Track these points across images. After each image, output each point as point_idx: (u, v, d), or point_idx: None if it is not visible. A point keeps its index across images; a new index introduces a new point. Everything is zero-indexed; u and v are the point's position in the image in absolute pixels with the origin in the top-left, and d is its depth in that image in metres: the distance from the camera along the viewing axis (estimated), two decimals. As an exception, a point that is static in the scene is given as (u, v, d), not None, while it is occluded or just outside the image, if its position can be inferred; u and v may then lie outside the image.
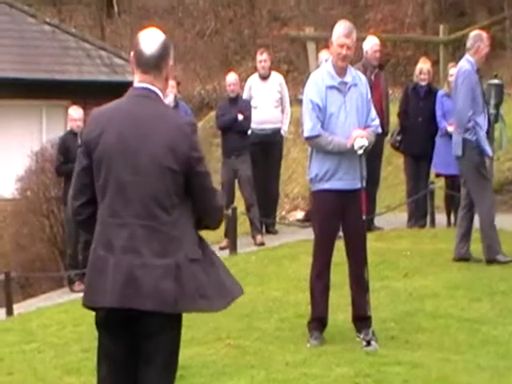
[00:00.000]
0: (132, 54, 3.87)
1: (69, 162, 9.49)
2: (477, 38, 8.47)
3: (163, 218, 3.71)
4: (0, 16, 15.58)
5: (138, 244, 3.69)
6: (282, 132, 11.01)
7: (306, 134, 6.23)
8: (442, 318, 6.76)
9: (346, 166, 6.12)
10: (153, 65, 3.80)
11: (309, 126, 6.17)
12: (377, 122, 6.35)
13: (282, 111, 11.00)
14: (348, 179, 6.14)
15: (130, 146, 3.72)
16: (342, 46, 6.10)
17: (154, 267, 3.67)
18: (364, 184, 6.19)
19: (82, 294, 3.92)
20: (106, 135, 3.74)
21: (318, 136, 6.13)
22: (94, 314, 3.86)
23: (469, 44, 8.46)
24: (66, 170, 9.58)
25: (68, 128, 10.48)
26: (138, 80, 3.84)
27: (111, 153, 3.72)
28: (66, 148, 10.04)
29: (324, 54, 9.90)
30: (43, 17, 16.48)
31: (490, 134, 8.63)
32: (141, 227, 3.70)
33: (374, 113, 6.36)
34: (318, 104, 6.12)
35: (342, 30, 6.12)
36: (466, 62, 8.38)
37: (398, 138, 10.67)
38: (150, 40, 3.84)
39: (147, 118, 3.76)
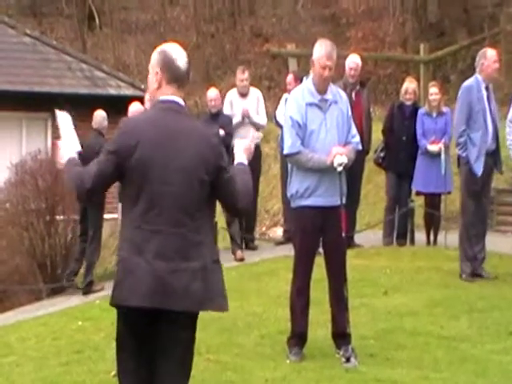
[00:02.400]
0: (160, 68, 4.00)
1: None
2: (481, 55, 8.58)
3: (190, 225, 3.93)
4: (-19, 27, 15.56)
5: (168, 250, 3.90)
6: (254, 134, 10.58)
7: (285, 151, 6.24)
8: (421, 335, 6.79)
9: (326, 183, 6.14)
10: (185, 80, 4.03)
11: (288, 143, 6.19)
12: (357, 138, 6.38)
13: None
14: (328, 196, 6.15)
15: (164, 159, 3.90)
16: (324, 68, 6.11)
17: (183, 271, 3.89)
18: (344, 201, 6.21)
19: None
20: (142, 147, 3.90)
21: (297, 153, 6.14)
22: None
23: (476, 62, 8.58)
24: None
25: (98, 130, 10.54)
26: (170, 93, 4.00)
27: (147, 164, 3.89)
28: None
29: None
30: (24, 28, 16.43)
31: (496, 152, 8.58)
32: (172, 234, 3.90)
33: (354, 130, 6.39)
34: (298, 121, 6.14)
35: (323, 51, 6.12)
36: (472, 79, 8.49)
37: (382, 154, 10.76)
38: (181, 56, 4.03)
39: (179, 131, 3.96)
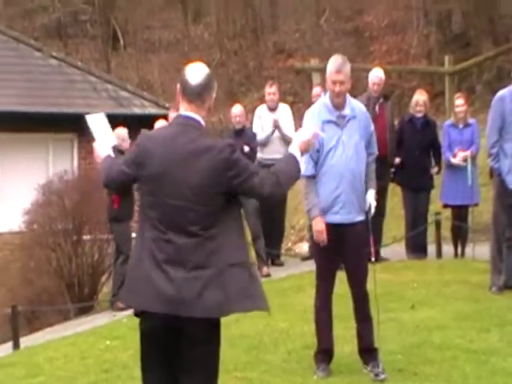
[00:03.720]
0: (179, 85, 4.14)
1: None
2: None
3: (204, 235, 3.96)
4: (7, 51, 15.71)
5: (180, 258, 3.93)
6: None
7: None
8: (449, 349, 6.72)
9: (342, 201, 6.07)
10: (197, 95, 4.09)
11: (304, 165, 6.19)
12: (376, 148, 6.33)
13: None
14: (344, 213, 6.08)
15: (174, 173, 3.98)
16: (334, 83, 6.04)
17: (195, 278, 3.92)
18: (369, 217, 6.17)
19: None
20: (153, 161, 4.01)
21: (307, 177, 6.11)
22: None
23: (511, 72, 8.52)
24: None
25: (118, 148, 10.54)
26: (184, 109, 4.12)
27: (157, 178, 3.99)
28: None
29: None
30: (49, 51, 16.60)
31: None
32: (184, 244, 3.94)
33: (375, 145, 6.33)
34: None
35: (332, 66, 6.05)
36: (506, 89, 8.37)
37: (392, 169, 10.55)
38: (196, 72, 4.12)
39: (190, 146, 4.01)
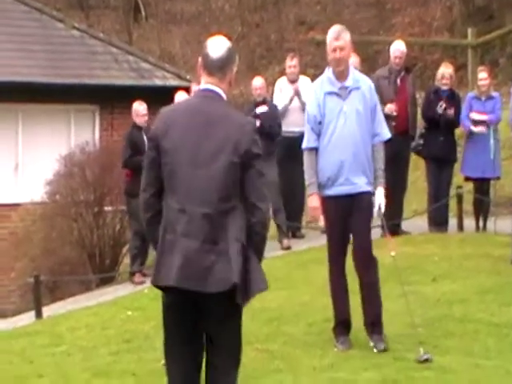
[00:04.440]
0: (200, 59, 4.15)
1: (136, 155, 9.84)
2: None
3: (219, 207, 3.97)
4: (30, 22, 15.68)
5: (195, 230, 3.95)
6: None
7: (302, 145, 6.26)
8: (471, 322, 6.72)
9: (345, 172, 6.07)
10: (218, 68, 4.11)
11: (305, 138, 6.22)
12: (381, 129, 6.22)
13: None
14: (350, 184, 6.08)
15: (194, 141, 4.01)
16: (334, 50, 6.06)
17: (207, 252, 3.93)
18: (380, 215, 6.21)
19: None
20: (173, 130, 4.05)
21: (309, 149, 6.15)
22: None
23: None
24: (134, 163, 9.91)
25: (135, 122, 10.54)
26: (205, 82, 4.14)
27: (177, 146, 4.02)
28: (133, 142, 10.31)
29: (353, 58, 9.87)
30: (71, 22, 16.57)
31: None
32: (199, 214, 3.95)
33: (381, 119, 6.25)
34: (315, 115, 6.12)
35: (330, 34, 6.09)
36: None
37: (421, 141, 10.46)
38: (217, 45, 4.13)
39: (211, 116, 4.04)
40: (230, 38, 4.27)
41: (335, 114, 6.07)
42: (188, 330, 4.05)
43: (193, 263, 3.92)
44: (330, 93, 6.11)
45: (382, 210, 6.23)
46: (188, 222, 3.95)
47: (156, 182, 4.08)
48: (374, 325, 6.16)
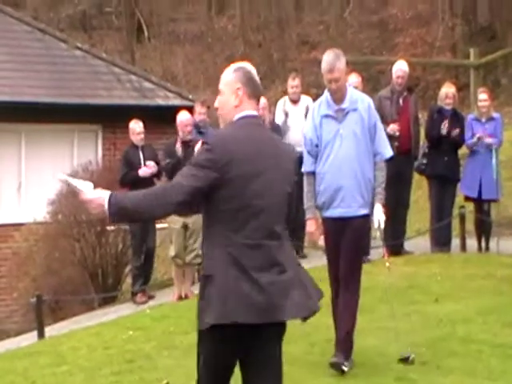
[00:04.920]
0: (242, 84, 4.00)
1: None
2: None
3: (283, 236, 3.96)
4: (33, 42, 15.76)
5: (267, 263, 3.86)
6: None
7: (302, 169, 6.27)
8: (474, 343, 6.69)
9: (342, 195, 6.06)
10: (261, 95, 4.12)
11: (304, 162, 6.23)
12: (382, 149, 6.19)
13: None
14: (345, 207, 6.08)
15: (258, 173, 3.88)
16: (329, 82, 6.04)
17: (283, 282, 3.87)
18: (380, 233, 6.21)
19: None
20: (237, 162, 3.83)
21: (307, 173, 6.18)
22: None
23: None
24: (129, 179, 10.05)
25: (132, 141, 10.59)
26: (251, 108, 4.00)
27: (244, 179, 3.84)
28: (128, 160, 10.38)
29: (352, 78, 9.90)
30: (74, 42, 16.65)
31: None
32: (269, 247, 3.88)
33: (382, 137, 6.21)
34: (312, 138, 6.12)
35: (324, 65, 6.01)
36: None
37: (424, 161, 10.46)
38: (254, 70, 4.10)
39: (266, 145, 3.97)
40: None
41: (331, 137, 6.07)
42: (232, 369, 4.00)
43: (272, 296, 3.81)
44: (327, 115, 6.11)
45: (382, 226, 6.21)
46: (260, 256, 3.83)
47: (194, 195, 3.80)
48: (339, 342, 6.11)
